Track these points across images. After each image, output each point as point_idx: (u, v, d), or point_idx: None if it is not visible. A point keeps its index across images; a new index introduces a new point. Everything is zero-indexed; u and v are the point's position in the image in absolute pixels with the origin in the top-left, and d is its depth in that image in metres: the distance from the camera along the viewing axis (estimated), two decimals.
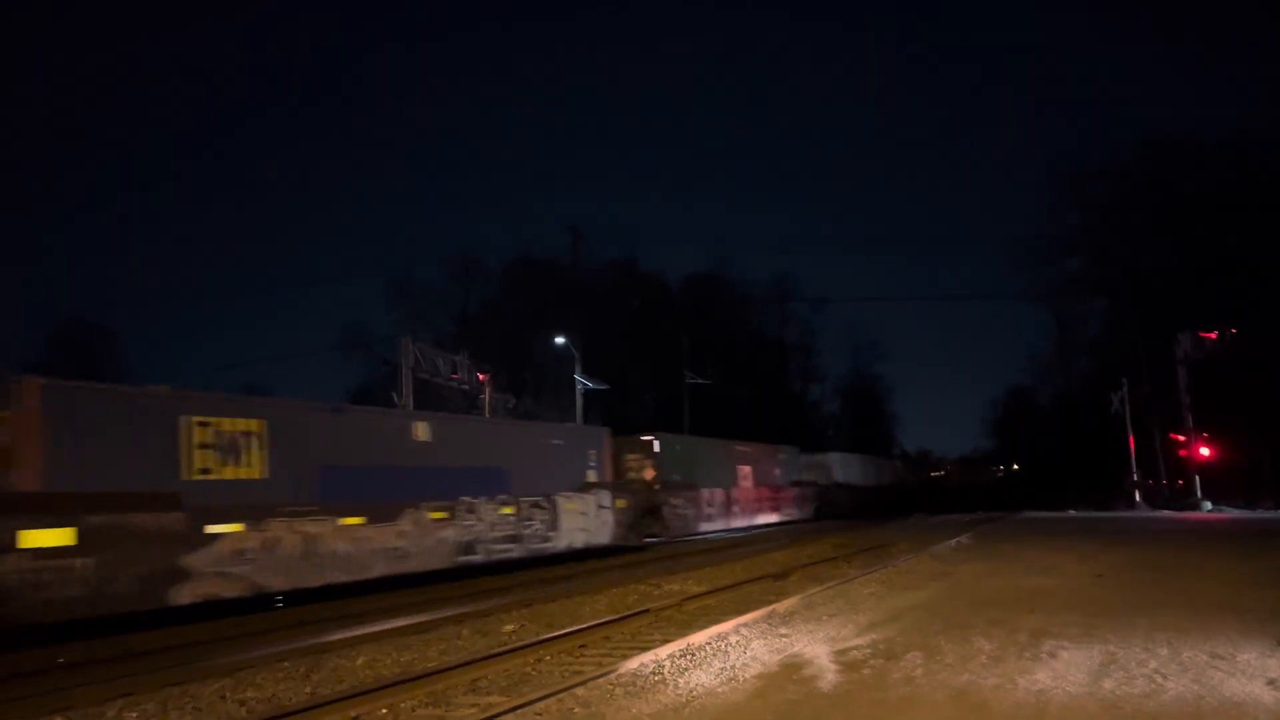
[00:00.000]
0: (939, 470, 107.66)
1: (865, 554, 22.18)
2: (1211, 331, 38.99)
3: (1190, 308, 43.62)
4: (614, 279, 63.78)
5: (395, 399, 29.64)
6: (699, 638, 10.23)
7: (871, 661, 8.67)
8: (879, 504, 51.65)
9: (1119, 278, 54.46)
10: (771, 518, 39.85)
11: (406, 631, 12.59)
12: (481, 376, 33.52)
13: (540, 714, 7.27)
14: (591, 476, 25.73)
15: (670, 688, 7.95)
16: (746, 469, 38.52)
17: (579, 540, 23.87)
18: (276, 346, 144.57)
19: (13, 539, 12.23)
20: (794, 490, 43.77)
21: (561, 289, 58.50)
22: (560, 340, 38.82)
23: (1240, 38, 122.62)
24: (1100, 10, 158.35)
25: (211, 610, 15.01)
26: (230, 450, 15.86)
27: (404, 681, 8.78)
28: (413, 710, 7.99)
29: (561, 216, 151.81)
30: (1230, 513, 35.34)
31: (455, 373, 32.68)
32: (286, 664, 10.36)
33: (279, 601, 16.50)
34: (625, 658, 9.32)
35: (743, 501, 37.06)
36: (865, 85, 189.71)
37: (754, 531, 36.28)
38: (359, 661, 10.40)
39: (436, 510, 19.35)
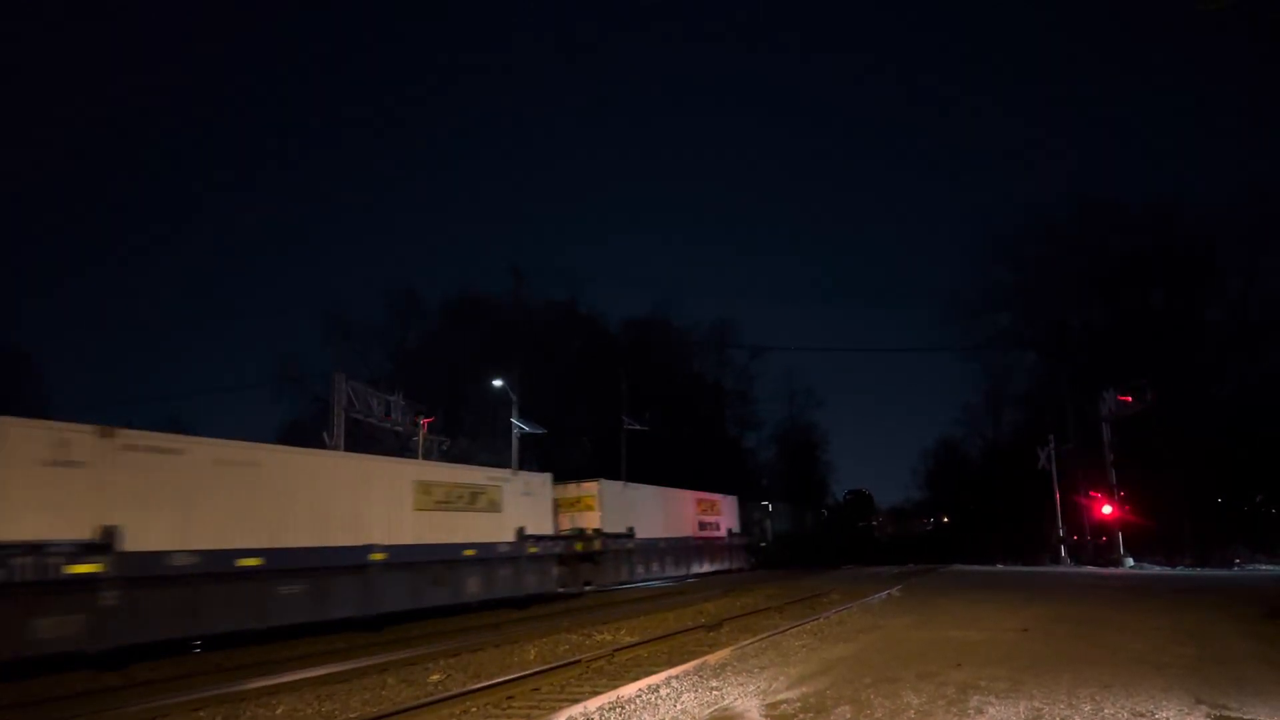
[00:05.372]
0: (872, 520, 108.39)
1: (797, 605, 22.25)
2: (1128, 395, 40.14)
3: (1116, 366, 44.70)
4: (554, 320, 63.44)
5: (326, 439, 28.97)
6: (629, 690, 10.13)
7: (801, 715, 8.65)
8: (811, 554, 51.93)
9: (1047, 334, 55.93)
10: (707, 567, 39.77)
11: (330, 680, 12.27)
12: (424, 422, 33.00)
13: None
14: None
15: None
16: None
17: None
18: (207, 380, 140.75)
19: None
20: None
21: (501, 328, 58.02)
22: (498, 383, 38.45)
23: (1169, 106, 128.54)
24: (1035, 76, 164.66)
25: (126, 655, 14.46)
26: None
27: None
28: None
29: (503, 256, 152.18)
30: (1151, 569, 36.10)
31: (388, 414, 32.16)
32: (202, 713, 10.02)
33: (197, 646, 15.98)
34: (553, 710, 9.20)
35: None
36: (805, 141, 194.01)
37: (688, 580, 36.15)
38: (279, 711, 10.09)
39: None
